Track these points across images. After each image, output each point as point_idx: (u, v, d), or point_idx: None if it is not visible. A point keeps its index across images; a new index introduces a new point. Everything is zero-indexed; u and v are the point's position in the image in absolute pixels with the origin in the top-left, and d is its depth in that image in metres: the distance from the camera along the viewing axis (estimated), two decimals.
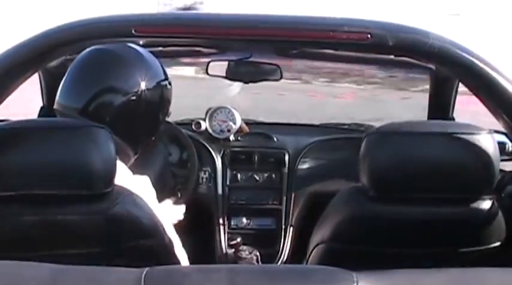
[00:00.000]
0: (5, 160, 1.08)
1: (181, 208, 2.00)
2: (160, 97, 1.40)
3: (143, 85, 1.34)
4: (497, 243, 1.19)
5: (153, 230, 1.22)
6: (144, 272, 0.88)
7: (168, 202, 1.92)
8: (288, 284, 0.91)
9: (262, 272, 0.97)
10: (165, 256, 1.26)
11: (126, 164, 1.41)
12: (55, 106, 1.37)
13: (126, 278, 0.89)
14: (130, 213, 1.16)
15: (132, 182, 1.33)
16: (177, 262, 1.34)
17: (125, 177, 1.31)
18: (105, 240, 1.15)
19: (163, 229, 1.27)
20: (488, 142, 1.14)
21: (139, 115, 1.37)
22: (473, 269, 0.93)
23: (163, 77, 1.41)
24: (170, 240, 1.31)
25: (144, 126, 1.42)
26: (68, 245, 1.14)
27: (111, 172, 1.12)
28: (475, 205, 1.17)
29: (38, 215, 1.11)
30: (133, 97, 1.33)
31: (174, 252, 1.33)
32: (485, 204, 1.17)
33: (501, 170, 1.20)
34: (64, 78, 1.36)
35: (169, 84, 1.44)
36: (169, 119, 1.84)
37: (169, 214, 1.88)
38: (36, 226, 1.11)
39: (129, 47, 1.36)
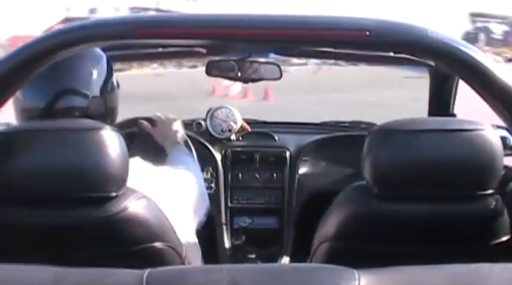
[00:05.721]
0: (15, 163, 1.08)
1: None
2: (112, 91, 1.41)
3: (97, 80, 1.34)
4: (502, 239, 1.19)
5: (163, 233, 1.22)
6: (146, 274, 0.88)
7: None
8: (290, 283, 0.91)
9: (264, 272, 0.97)
10: (176, 259, 1.25)
11: None
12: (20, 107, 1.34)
13: (128, 280, 0.89)
14: (142, 216, 1.15)
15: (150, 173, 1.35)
16: (189, 264, 1.34)
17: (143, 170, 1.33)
18: (116, 243, 1.15)
19: (174, 232, 1.27)
20: (491, 138, 1.14)
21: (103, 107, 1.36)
22: (474, 265, 0.93)
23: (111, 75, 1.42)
24: (180, 243, 1.31)
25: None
26: (79, 248, 1.14)
27: (123, 175, 1.12)
28: (479, 201, 1.17)
29: (49, 218, 1.10)
30: (93, 93, 1.33)
31: (186, 255, 1.33)
32: (490, 200, 1.17)
33: (504, 166, 1.20)
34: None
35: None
36: None
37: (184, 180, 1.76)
38: (47, 229, 1.11)
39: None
